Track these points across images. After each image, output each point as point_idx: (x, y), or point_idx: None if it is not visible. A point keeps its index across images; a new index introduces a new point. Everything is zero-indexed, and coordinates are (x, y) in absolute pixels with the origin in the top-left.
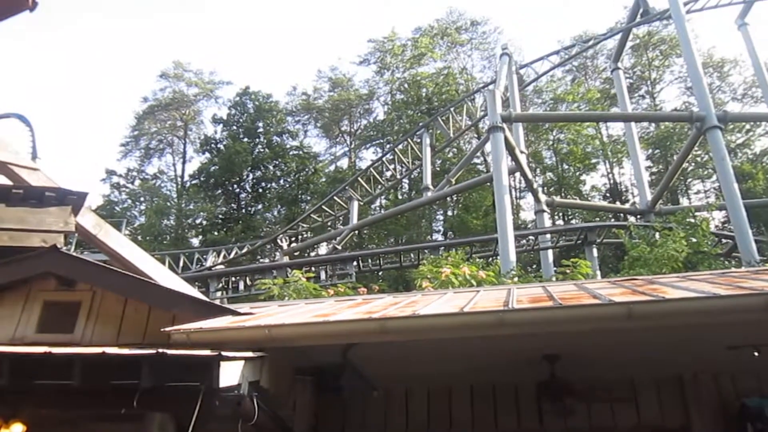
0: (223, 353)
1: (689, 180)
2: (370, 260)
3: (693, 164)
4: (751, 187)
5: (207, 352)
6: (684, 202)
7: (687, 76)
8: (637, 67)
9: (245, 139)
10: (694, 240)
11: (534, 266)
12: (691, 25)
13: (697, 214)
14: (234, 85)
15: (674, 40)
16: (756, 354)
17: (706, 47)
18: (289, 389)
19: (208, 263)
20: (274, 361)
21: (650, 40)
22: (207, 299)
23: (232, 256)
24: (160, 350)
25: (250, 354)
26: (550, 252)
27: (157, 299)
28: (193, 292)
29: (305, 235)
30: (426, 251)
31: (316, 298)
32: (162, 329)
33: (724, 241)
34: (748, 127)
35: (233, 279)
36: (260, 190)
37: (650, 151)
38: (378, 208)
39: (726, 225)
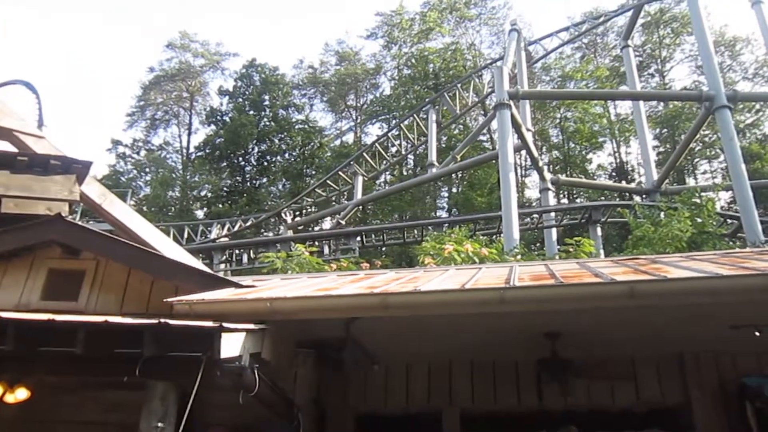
0: (225, 324)
1: (696, 160)
2: (373, 235)
3: (701, 144)
4: (758, 168)
5: (209, 323)
6: (690, 182)
7: (698, 54)
8: (647, 45)
9: (251, 112)
10: (699, 220)
11: (538, 244)
12: (703, 2)
13: (703, 194)
14: (241, 57)
15: (686, 17)
16: (757, 334)
17: (719, 25)
18: (291, 362)
19: (213, 235)
20: (275, 333)
21: (662, 18)
22: (210, 271)
23: (236, 228)
24: (163, 320)
25: (251, 326)
26: (554, 230)
27: (161, 270)
28: (196, 263)
29: (309, 210)
30: (430, 228)
31: (319, 272)
32: (165, 300)
33: (729, 221)
34: (758, 107)
35: (237, 252)
36: (265, 164)
37: (658, 130)
38: (383, 184)
39: (732, 205)
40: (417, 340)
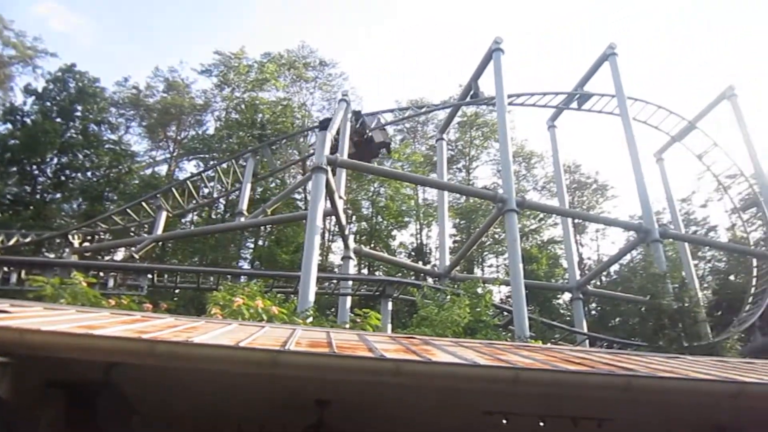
0: None
1: (485, 253)
2: (167, 276)
3: (491, 239)
4: (534, 269)
5: None
6: (478, 272)
7: (499, 160)
8: (460, 141)
9: (58, 120)
10: (477, 309)
11: (332, 310)
12: (511, 116)
13: (486, 285)
14: (60, 59)
15: (494, 125)
16: (504, 422)
17: (520, 138)
18: (38, 403)
19: None
20: (21, 368)
21: (475, 121)
22: None
23: (12, 242)
24: None
25: None
26: (348, 298)
27: None
28: None
29: (103, 237)
30: (228, 277)
31: (94, 306)
32: None
33: (505, 313)
34: (541, 215)
35: (6, 269)
36: (63, 178)
37: (457, 220)
38: (188, 224)
39: (508, 299)
40: (186, 395)
